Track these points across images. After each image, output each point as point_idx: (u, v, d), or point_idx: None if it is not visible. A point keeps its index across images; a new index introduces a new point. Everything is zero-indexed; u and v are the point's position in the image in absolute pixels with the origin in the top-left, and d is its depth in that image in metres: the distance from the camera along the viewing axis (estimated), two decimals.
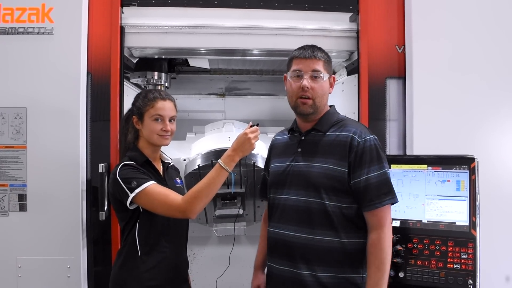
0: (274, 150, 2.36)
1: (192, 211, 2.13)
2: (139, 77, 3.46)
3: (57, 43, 2.74)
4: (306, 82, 2.07)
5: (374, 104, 2.91)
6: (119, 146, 2.49)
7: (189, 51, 3.10)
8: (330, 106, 2.26)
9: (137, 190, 2.15)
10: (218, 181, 2.14)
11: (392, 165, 2.64)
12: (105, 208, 2.72)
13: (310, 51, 2.11)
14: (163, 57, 3.30)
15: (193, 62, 3.73)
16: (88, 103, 2.78)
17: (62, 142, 2.72)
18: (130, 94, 3.12)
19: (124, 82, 2.95)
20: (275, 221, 2.21)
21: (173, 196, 2.16)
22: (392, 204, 2.09)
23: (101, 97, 2.79)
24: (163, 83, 3.56)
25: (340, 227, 2.07)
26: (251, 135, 2.15)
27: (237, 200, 3.29)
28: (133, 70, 3.37)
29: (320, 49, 2.16)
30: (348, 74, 3.34)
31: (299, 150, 2.18)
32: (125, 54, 2.93)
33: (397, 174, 2.66)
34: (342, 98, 3.48)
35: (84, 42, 2.76)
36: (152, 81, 3.50)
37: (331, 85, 2.19)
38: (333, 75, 2.19)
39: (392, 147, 2.96)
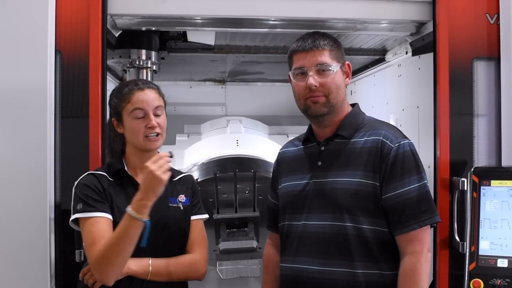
0: (283, 166, 2.24)
1: (102, 275, 1.95)
2: (120, 57, 3.16)
3: (11, 10, 2.45)
4: (311, 79, 2.00)
5: (456, 94, 2.57)
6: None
7: (190, 20, 2.73)
8: (352, 104, 2.17)
9: (77, 215, 2.04)
10: (129, 235, 1.93)
11: (492, 181, 2.36)
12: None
13: (311, 41, 2.04)
14: (153, 29, 2.98)
15: (193, 36, 3.32)
16: (56, 93, 2.46)
17: (20, 149, 2.42)
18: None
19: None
20: (292, 254, 2.09)
21: (95, 248, 1.96)
22: (432, 224, 1.99)
23: (76, 84, 2.48)
24: (150, 65, 3.20)
25: (380, 256, 1.98)
26: (153, 167, 1.93)
27: (249, 228, 2.98)
28: (114, 48, 3.01)
29: (323, 35, 2.09)
30: (414, 54, 2.98)
31: (320, 163, 2.08)
32: (107, 25, 2.58)
33: (500, 193, 2.35)
34: (397, 85, 3.25)
35: (51, 8, 2.45)
36: (138, 62, 3.16)
37: (347, 75, 2.11)
38: (347, 62, 2.11)
39: (481, 154, 2.60)
